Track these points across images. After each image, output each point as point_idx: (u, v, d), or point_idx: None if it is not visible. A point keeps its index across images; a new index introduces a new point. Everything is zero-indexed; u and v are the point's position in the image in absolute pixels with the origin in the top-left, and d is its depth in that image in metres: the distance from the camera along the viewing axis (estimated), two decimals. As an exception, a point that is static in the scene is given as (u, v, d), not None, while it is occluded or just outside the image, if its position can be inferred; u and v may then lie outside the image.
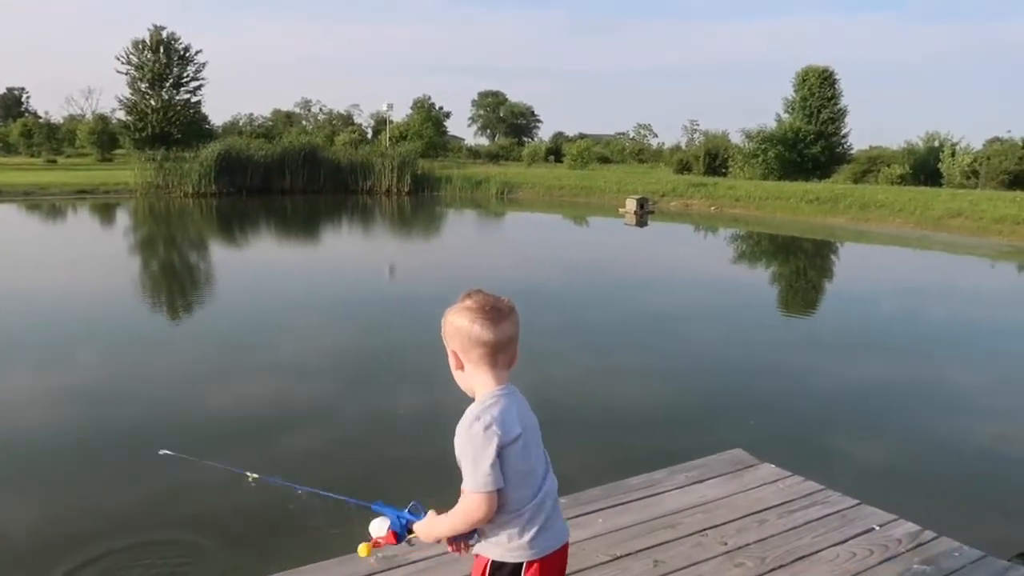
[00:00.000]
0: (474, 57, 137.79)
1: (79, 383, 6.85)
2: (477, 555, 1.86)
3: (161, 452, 2.46)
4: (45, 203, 25.66)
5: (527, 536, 1.76)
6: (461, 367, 1.81)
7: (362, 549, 1.85)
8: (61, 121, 60.40)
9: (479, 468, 1.69)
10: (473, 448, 1.70)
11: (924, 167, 36.22)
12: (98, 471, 4.99)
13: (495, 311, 1.77)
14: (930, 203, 23.54)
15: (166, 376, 7.09)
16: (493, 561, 1.80)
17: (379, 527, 1.85)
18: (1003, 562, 2.99)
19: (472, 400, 1.81)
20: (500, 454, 1.70)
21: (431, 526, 1.82)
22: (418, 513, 1.86)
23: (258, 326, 9.32)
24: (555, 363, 7.66)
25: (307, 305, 10.57)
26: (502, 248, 19.01)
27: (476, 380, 1.80)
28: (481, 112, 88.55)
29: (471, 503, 1.71)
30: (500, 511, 1.74)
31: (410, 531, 1.86)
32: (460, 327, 1.77)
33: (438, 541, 1.85)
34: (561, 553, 1.85)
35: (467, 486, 1.72)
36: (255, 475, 2.21)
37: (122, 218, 24.08)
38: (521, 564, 1.79)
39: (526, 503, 1.76)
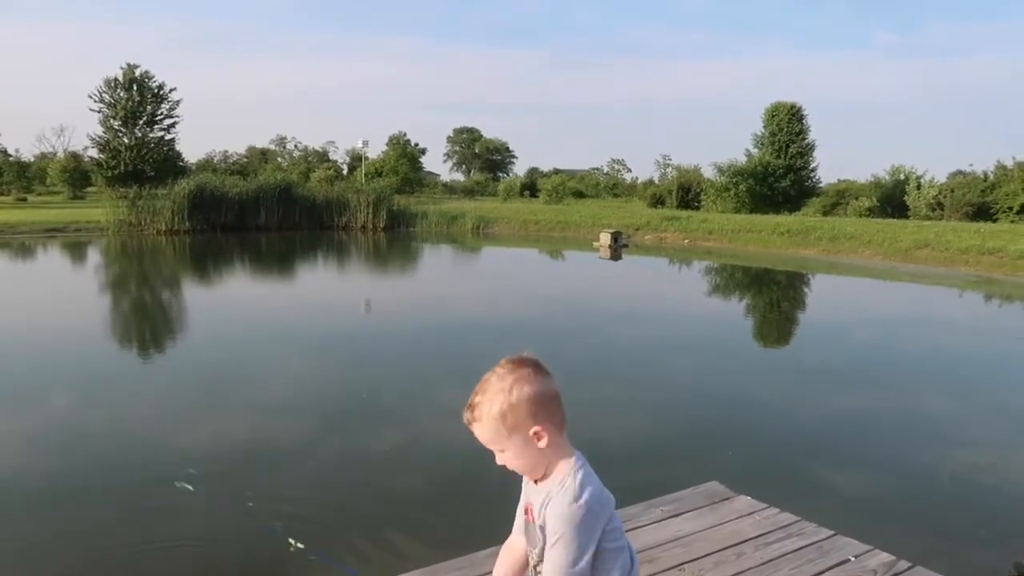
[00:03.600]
0: (448, 94, 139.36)
1: (51, 422, 6.70)
2: None
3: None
4: (15, 241, 25.30)
5: None
6: (541, 439, 1.60)
7: None
8: (32, 159, 59.87)
9: (583, 552, 1.55)
10: (574, 528, 1.54)
11: (891, 199, 37.02)
12: (70, 511, 4.87)
13: (542, 367, 1.67)
14: (897, 235, 24.03)
15: (140, 415, 6.97)
16: None
17: None
18: (977, 590, 3.01)
19: (520, 476, 1.69)
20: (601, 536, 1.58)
21: None
22: None
23: (233, 364, 9.19)
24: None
25: (283, 342, 10.47)
26: (478, 283, 19.04)
27: (557, 450, 1.62)
28: (456, 148, 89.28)
29: None
30: None
31: None
32: (536, 393, 1.59)
33: None
34: None
35: (561, 567, 1.54)
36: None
37: (94, 256, 23.78)
38: None
39: None
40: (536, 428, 1.59)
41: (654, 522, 3.49)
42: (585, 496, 1.55)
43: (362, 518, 4.86)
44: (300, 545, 1.79)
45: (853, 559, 3.17)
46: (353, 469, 5.80)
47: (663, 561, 3.12)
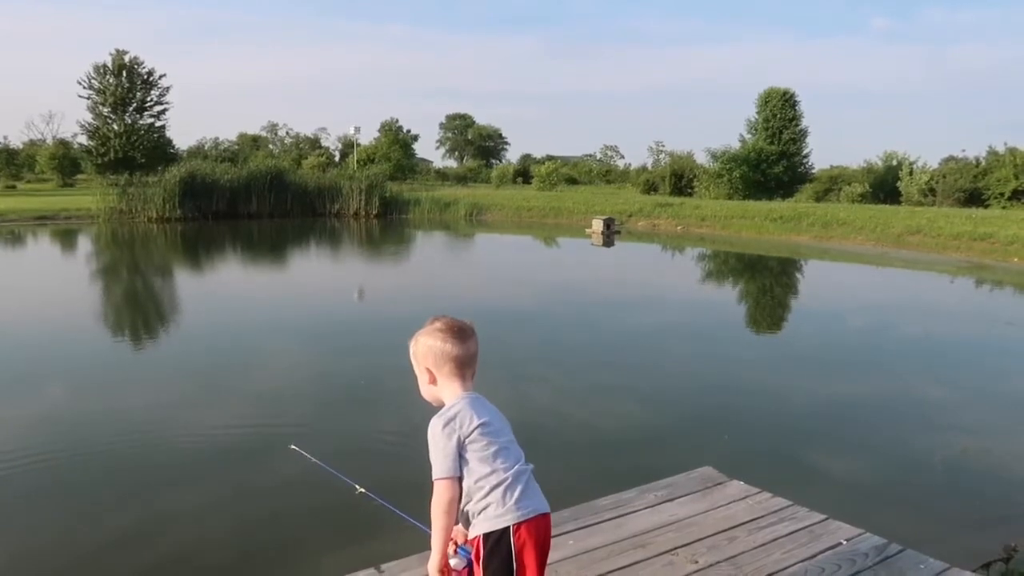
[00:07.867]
0: (441, 80, 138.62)
1: (45, 411, 6.67)
2: (472, 540, 2.03)
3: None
4: (4, 229, 25.11)
5: (509, 502, 1.97)
6: (433, 381, 2.09)
7: None
8: (21, 146, 59.26)
9: (441, 458, 1.96)
10: (435, 443, 1.98)
11: (883, 185, 37.07)
12: (70, 502, 4.86)
13: (461, 331, 2.08)
14: (890, 221, 24.08)
15: (135, 403, 6.94)
16: (484, 534, 1.98)
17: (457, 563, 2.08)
18: (967, 573, 3.03)
19: (439, 409, 2.06)
20: (462, 446, 1.97)
21: (432, 553, 2.00)
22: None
23: (227, 352, 9.17)
24: (524, 384, 7.65)
25: (276, 330, 10.44)
26: (471, 270, 19.01)
27: (446, 391, 2.07)
28: (449, 135, 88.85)
29: (438, 488, 1.97)
30: (482, 489, 1.97)
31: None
32: (432, 346, 2.06)
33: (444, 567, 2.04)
34: (543, 521, 2.03)
35: (434, 475, 1.97)
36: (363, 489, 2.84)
37: (85, 244, 23.64)
38: (508, 528, 1.97)
39: (502, 476, 1.98)
40: (427, 368, 2.08)
41: (648, 507, 3.51)
42: (444, 418, 2.00)
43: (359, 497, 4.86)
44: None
45: (845, 543, 3.19)
46: (351, 457, 5.80)
47: (656, 546, 3.14)
